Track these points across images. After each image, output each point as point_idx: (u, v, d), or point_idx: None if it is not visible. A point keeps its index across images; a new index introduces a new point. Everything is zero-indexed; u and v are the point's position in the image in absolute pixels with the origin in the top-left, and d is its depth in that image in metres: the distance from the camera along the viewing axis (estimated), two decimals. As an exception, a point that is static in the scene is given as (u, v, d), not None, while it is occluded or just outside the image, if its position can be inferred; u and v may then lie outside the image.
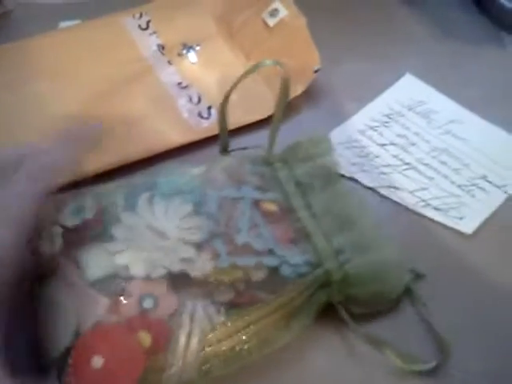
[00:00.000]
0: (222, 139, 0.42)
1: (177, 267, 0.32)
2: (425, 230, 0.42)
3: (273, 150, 0.41)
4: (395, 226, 0.42)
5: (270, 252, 0.34)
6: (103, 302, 0.31)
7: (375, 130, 0.48)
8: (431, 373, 0.35)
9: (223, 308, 0.32)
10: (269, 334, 0.32)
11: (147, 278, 0.32)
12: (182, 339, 0.31)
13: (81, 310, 0.31)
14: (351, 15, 0.58)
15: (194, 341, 0.31)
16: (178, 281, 0.32)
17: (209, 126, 0.47)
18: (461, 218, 0.42)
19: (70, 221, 0.34)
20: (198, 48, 0.52)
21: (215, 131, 0.46)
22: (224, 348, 0.31)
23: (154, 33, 0.52)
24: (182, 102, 0.48)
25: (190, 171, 0.38)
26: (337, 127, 0.48)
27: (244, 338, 0.31)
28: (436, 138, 0.47)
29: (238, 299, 0.33)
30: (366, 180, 0.44)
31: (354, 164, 0.45)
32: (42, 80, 0.48)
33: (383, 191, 0.44)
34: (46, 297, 0.31)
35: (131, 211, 0.35)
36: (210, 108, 0.48)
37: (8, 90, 0.47)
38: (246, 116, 0.47)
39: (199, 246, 0.33)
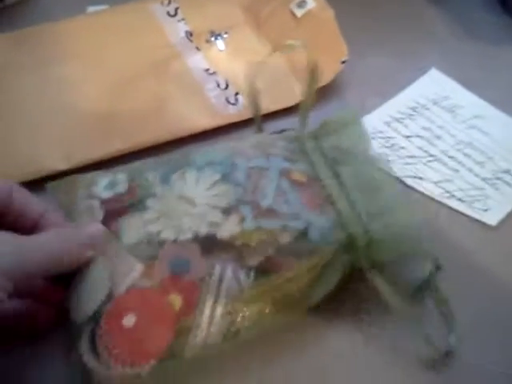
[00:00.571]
0: (256, 120, 0.43)
1: (204, 230, 0.33)
2: (449, 221, 0.42)
3: (304, 131, 0.41)
4: (419, 216, 0.42)
5: (296, 216, 0.34)
6: (138, 266, 0.32)
7: (400, 122, 0.48)
8: (448, 361, 0.35)
9: (252, 272, 0.33)
10: (295, 298, 0.33)
11: (177, 242, 0.33)
12: (210, 301, 0.31)
13: (116, 273, 0.31)
14: (377, 11, 0.58)
15: (222, 303, 0.31)
16: (208, 245, 0.33)
17: (236, 112, 0.47)
18: (485, 210, 0.42)
19: (105, 194, 0.35)
20: (225, 36, 0.52)
21: (242, 117, 0.47)
22: (251, 311, 0.32)
23: (183, 19, 0.52)
24: (210, 87, 0.48)
25: (222, 146, 0.39)
26: (364, 116, 0.48)
27: (271, 301, 0.32)
28: (461, 132, 0.48)
29: (266, 264, 0.33)
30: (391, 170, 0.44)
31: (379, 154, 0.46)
32: (69, 63, 0.49)
33: (408, 181, 0.44)
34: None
35: (165, 184, 0.35)
36: (237, 94, 0.48)
37: (35, 72, 0.48)
38: (272, 104, 0.47)
39: (226, 211, 0.34)
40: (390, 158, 0.45)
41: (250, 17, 0.53)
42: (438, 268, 0.36)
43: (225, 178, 0.36)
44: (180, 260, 0.32)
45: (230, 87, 0.49)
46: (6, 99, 0.46)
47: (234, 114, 0.47)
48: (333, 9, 0.51)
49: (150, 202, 0.35)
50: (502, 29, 0.58)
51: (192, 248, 0.33)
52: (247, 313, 0.32)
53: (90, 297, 0.31)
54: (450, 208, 0.43)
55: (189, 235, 0.33)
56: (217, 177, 0.36)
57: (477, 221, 0.42)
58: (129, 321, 0.30)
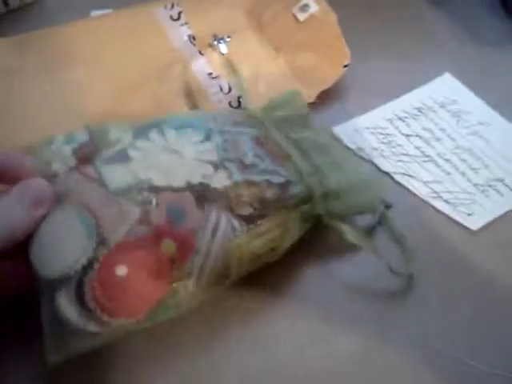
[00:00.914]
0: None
1: (197, 180, 0.35)
2: (431, 222, 0.43)
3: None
4: (402, 212, 0.43)
5: (275, 172, 0.37)
6: (135, 210, 0.32)
7: (403, 121, 0.49)
8: (445, 364, 0.36)
9: (244, 221, 0.36)
10: (277, 241, 0.37)
11: (171, 189, 0.34)
12: (205, 244, 0.33)
13: (108, 220, 0.31)
14: (380, 14, 0.59)
15: (217, 246, 0.34)
16: (202, 195, 0.35)
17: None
18: (469, 214, 0.43)
19: (66, 148, 0.35)
20: (228, 40, 0.52)
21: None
22: (244, 253, 0.35)
23: (186, 23, 0.52)
24: (213, 91, 0.49)
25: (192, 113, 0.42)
26: (366, 113, 0.49)
27: (260, 244, 0.36)
28: (462, 137, 0.48)
29: (254, 215, 0.36)
30: (383, 165, 0.45)
31: (375, 149, 0.47)
32: (73, 67, 0.49)
33: (397, 177, 0.45)
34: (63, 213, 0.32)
35: (143, 139, 0.36)
36: (239, 98, 0.49)
37: (39, 76, 0.49)
38: None
39: (215, 166, 0.36)
40: (384, 154, 0.46)
41: (253, 21, 0.53)
42: (387, 207, 0.42)
43: (206, 138, 0.37)
44: (176, 207, 0.33)
45: (232, 91, 0.49)
46: (11, 103, 0.47)
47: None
48: (336, 13, 0.52)
49: (132, 153, 0.35)
50: (505, 32, 0.57)
51: (187, 196, 0.34)
52: (243, 253, 0.35)
53: (70, 248, 0.31)
54: (434, 208, 0.43)
55: (182, 183, 0.34)
56: (201, 136, 0.37)
57: (459, 224, 0.43)
58: (121, 271, 0.31)
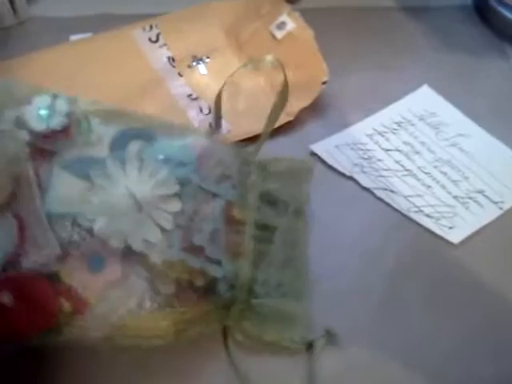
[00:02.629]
0: (215, 117, 0.43)
1: (138, 246, 0.33)
2: (413, 236, 0.43)
3: (257, 153, 0.42)
4: (384, 229, 0.44)
5: (217, 262, 0.35)
6: (55, 246, 0.31)
7: (383, 136, 0.49)
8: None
9: (159, 298, 0.34)
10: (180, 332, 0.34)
11: (104, 241, 0.33)
12: (110, 305, 0.32)
13: (28, 237, 0.31)
14: (358, 28, 0.59)
15: (121, 311, 0.32)
16: (131, 256, 0.33)
17: (219, 136, 0.48)
18: (450, 228, 0.43)
19: (37, 126, 0.33)
20: (207, 60, 0.52)
21: (226, 141, 0.46)
22: (141, 330, 0.33)
23: (165, 45, 0.53)
24: (193, 114, 0.49)
25: (186, 139, 0.38)
26: (346, 128, 0.50)
27: (160, 330, 0.33)
28: (441, 150, 0.48)
29: (176, 296, 0.34)
30: (363, 181, 0.46)
31: (355, 164, 0.47)
32: (54, 90, 0.49)
33: (379, 193, 0.45)
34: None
35: (118, 161, 0.34)
36: (219, 119, 0.49)
37: None
38: (254, 126, 0.47)
39: (164, 232, 0.34)
40: (365, 170, 0.47)
41: (232, 39, 0.54)
42: (330, 338, 0.37)
43: (175, 195, 0.35)
44: (97, 257, 0.33)
45: (213, 112, 0.49)
46: None
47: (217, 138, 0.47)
48: (313, 28, 0.52)
49: (94, 174, 0.33)
50: (482, 40, 0.58)
51: (115, 251, 0.33)
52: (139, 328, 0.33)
53: None
54: (416, 223, 0.44)
55: (120, 245, 0.33)
56: (175, 189, 0.35)
57: (440, 237, 0.43)
58: (6, 298, 0.31)
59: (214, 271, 0.34)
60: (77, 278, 0.32)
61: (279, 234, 0.38)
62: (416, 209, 0.44)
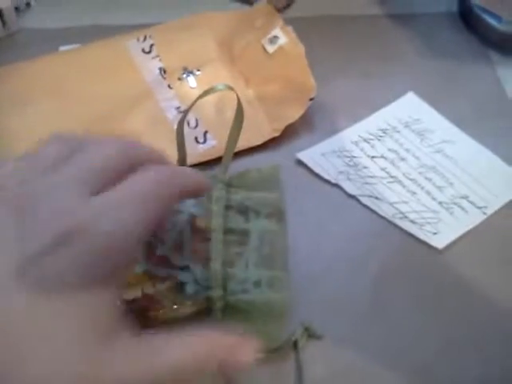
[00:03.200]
0: (180, 151, 0.42)
1: None
2: (398, 242, 0.44)
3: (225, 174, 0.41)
4: (369, 235, 0.44)
5: (184, 268, 0.35)
6: None
7: (368, 143, 0.50)
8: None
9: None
10: None
11: None
12: None
13: None
14: (343, 35, 0.59)
15: None
16: None
17: (204, 152, 0.48)
18: (435, 233, 0.44)
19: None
20: (198, 73, 0.52)
21: (211, 156, 0.47)
22: None
23: (157, 56, 0.53)
24: None
25: None
26: (333, 136, 0.50)
27: None
28: (426, 156, 0.49)
29: (139, 300, 0.34)
30: (349, 188, 0.46)
31: (341, 172, 0.47)
32: (44, 100, 0.50)
33: (364, 200, 0.46)
34: None
35: None
36: (206, 133, 0.49)
37: (11, 109, 0.49)
38: (241, 142, 0.46)
39: None
40: (350, 177, 0.47)
41: (224, 51, 0.54)
42: (310, 335, 0.38)
43: None
44: None
45: (199, 126, 0.49)
46: None
47: (202, 153, 0.48)
48: (298, 35, 0.52)
49: None
50: (467, 47, 0.59)
51: None
52: None
53: None
54: (401, 229, 0.44)
55: None
56: None
57: (425, 243, 0.43)
58: None
59: (182, 276, 0.35)
60: None
61: (254, 237, 0.38)
62: (401, 215, 0.45)
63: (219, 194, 0.39)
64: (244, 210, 0.39)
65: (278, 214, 0.40)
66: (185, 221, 0.36)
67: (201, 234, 0.37)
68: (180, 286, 0.35)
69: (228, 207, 0.39)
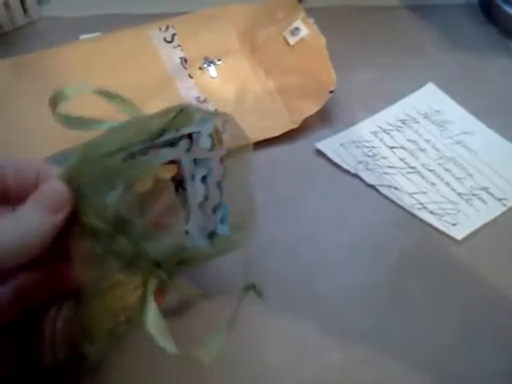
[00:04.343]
0: None
1: None
2: (416, 232, 0.44)
3: None
4: (388, 225, 0.44)
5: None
6: None
7: (388, 133, 0.50)
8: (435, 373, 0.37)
9: None
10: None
11: None
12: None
13: None
14: (364, 27, 0.60)
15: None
16: None
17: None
18: (454, 224, 0.44)
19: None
20: (219, 63, 0.53)
21: (228, 146, 0.47)
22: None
23: (179, 46, 0.53)
24: None
25: None
26: (352, 126, 0.50)
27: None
28: (446, 147, 0.49)
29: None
30: (368, 178, 0.46)
31: (360, 162, 0.47)
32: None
33: (383, 190, 0.46)
34: None
35: None
36: (225, 123, 0.49)
37: (36, 97, 0.48)
38: (260, 133, 0.48)
39: None
40: (369, 167, 0.47)
41: (245, 43, 0.54)
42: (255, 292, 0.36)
43: None
44: None
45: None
46: (7, 124, 0.48)
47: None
48: (317, 26, 0.52)
49: None
50: (487, 38, 0.59)
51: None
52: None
53: None
54: (419, 219, 0.44)
55: None
56: None
57: (444, 233, 0.43)
58: None
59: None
60: None
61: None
62: (420, 206, 0.45)
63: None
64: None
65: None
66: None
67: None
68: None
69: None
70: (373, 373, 0.37)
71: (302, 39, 0.53)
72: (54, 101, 0.38)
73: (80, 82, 0.43)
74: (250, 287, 0.36)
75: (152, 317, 0.31)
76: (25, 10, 0.58)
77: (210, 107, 0.50)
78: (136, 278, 0.32)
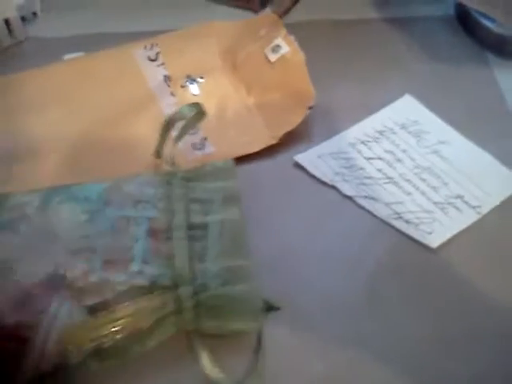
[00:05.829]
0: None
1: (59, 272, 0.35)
2: (393, 241, 0.44)
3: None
4: (364, 235, 0.45)
5: (141, 272, 0.36)
6: None
7: (365, 145, 0.51)
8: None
9: (86, 309, 0.34)
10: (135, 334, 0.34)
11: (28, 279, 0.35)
12: (42, 333, 0.33)
13: None
14: (342, 39, 0.61)
15: (54, 333, 0.33)
16: (54, 282, 0.35)
17: (201, 157, 0.49)
18: (429, 233, 0.44)
19: None
20: (201, 80, 0.54)
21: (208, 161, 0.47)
22: (89, 339, 0.33)
23: (162, 64, 0.54)
24: None
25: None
26: (330, 138, 0.51)
27: (112, 331, 0.34)
28: (422, 157, 0.50)
29: (102, 304, 0.35)
30: (345, 189, 0.47)
31: (337, 173, 0.48)
32: (52, 107, 0.52)
33: (360, 201, 0.47)
34: None
35: (42, 211, 0.38)
36: (205, 139, 0.50)
37: (18, 116, 0.51)
38: (238, 149, 0.49)
39: (74, 253, 0.36)
40: (346, 178, 0.48)
41: (227, 60, 0.55)
42: (271, 308, 0.38)
43: (92, 219, 0.38)
44: (23, 295, 0.34)
45: (199, 132, 0.50)
46: None
47: (199, 158, 0.49)
48: (298, 40, 0.54)
49: (23, 227, 0.37)
50: (465, 50, 0.60)
51: (41, 284, 0.35)
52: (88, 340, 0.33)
53: None
54: (396, 229, 0.45)
55: (42, 276, 0.35)
56: (83, 218, 0.38)
57: (419, 242, 0.44)
58: None
59: (140, 280, 0.35)
60: None
61: (213, 229, 0.39)
62: (396, 215, 0.46)
63: (180, 191, 0.40)
64: (204, 201, 0.40)
65: (233, 199, 0.41)
66: (144, 225, 0.38)
67: (161, 234, 0.38)
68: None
69: (189, 201, 0.40)
70: (350, 376, 0.38)
71: (283, 56, 0.54)
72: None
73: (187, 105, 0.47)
74: (271, 308, 0.38)
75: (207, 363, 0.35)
76: (10, 31, 0.59)
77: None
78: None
